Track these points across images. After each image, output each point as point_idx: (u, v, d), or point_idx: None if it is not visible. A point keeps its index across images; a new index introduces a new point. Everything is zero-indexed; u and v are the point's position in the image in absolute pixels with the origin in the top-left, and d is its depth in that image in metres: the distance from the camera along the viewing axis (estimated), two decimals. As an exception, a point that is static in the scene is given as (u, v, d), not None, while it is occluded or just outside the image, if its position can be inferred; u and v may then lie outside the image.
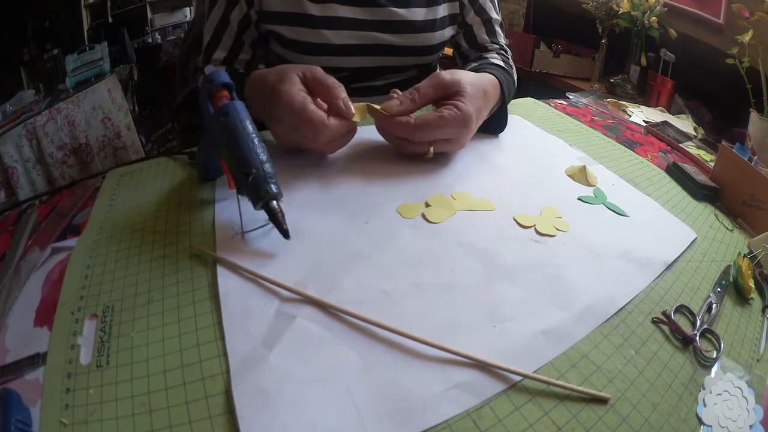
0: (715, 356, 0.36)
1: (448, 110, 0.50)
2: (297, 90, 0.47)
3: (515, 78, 0.72)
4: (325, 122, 0.46)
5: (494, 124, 0.62)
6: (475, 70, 0.61)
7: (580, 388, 0.30)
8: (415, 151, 0.52)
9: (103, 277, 0.37)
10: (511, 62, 0.73)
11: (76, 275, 0.37)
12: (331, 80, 0.49)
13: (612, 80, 1.25)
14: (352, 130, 0.50)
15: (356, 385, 0.29)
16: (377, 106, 0.50)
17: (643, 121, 0.88)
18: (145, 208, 0.45)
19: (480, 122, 0.54)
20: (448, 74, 0.52)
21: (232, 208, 0.43)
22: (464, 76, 0.53)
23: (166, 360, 0.30)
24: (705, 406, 0.32)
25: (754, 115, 0.80)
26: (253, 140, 0.38)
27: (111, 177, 0.51)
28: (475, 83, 0.53)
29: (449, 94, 0.51)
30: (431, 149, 0.51)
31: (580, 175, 0.55)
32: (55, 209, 0.46)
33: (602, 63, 1.35)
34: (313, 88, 0.49)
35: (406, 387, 0.29)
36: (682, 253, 0.45)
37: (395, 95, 0.51)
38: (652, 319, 0.37)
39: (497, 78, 0.59)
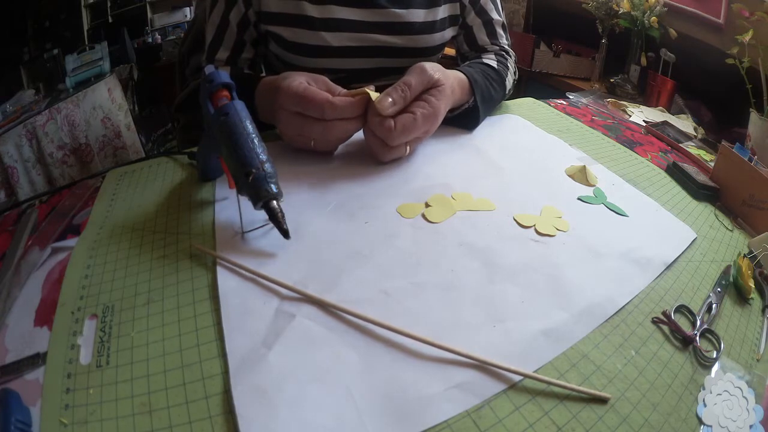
0: (715, 356, 0.36)
1: (421, 109, 0.50)
2: (299, 80, 0.49)
3: (510, 79, 0.72)
4: (329, 98, 0.47)
5: (467, 121, 0.62)
6: (459, 68, 0.62)
7: (580, 388, 0.30)
8: (395, 155, 0.52)
9: (103, 277, 0.37)
10: (510, 63, 0.72)
11: (76, 275, 0.37)
12: (337, 87, 0.51)
13: (612, 80, 1.25)
14: (356, 118, 0.50)
15: (356, 385, 0.29)
16: (373, 93, 0.49)
17: (643, 121, 0.88)
18: (145, 208, 0.45)
19: (444, 115, 0.55)
20: (431, 70, 0.52)
21: (232, 208, 0.43)
22: (443, 75, 0.53)
23: (166, 360, 0.30)
24: (705, 406, 0.32)
25: (754, 115, 0.80)
26: (253, 140, 0.38)
27: (111, 177, 0.51)
28: (449, 82, 0.54)
29: (429, 90, 0.52)
30: (408, 148, 0.52)
31: (580, 175, 0.55)
32: (55, 209, 0.46)
33: (602, 63, 1.35)
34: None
35: (406, 387, 0.29)
36: (682, 253, 0.45)
37: (390, 97, 0.50)
38: (652, 319, 0.37)
39: (467, 76, 0.60)
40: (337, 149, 0.54)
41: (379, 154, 0.52)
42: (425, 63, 0.53)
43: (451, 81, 0.55)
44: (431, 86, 0.52)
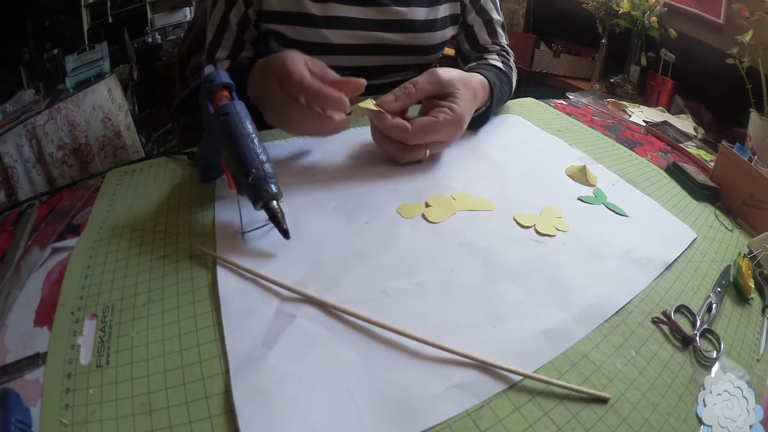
0: (715, 356, 0.36)
1: (443, 114, 0.50)
2: (296, 54, 0.47)
3: (514, 80, 0.72)
4: (306, 78, 0.45)
5: (477, 123, 0.62)
6: (471, 69, 0.61)
7: (580, 388, 0.30)
8: (413, 158, 0.52)
9: (103, 277, 0.37)
10: (512, 63, 0.73)
11: (76, 275, 0.37)
12: (332, 74, 0.48)
13: (612, 80, 1.25)
14: (329, 117, 0.47)
15: (356, 385, 0.29)
16: (374, 107, 0.49)
17: (643, 121, 0.88)
18: (145, 208, 0.45)
19: (469, 120, 0.55)
20: (444, 73, 0.52)
21: (232, 208, 0.43)
22: (458, 77, 0.53)
23: (166, 360, 0.30)
24: (705, 406, 0.32)
25: (754, 115, 0.80)
26: (253, 140, 0.38)
27: (111, 177, 0.51)
28: (467, 84, 0.53)
29: (443, 94, 0.52)
30: (427, 152, 0.52)
31: (580, 175, 0.55)
32: (55, 209, 0.46)
33: (602, 63, 1.35)
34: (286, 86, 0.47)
35: (406, 387, 0.29)
36: (682, 253, 0.45)
37: (393, 94, 0.50)
38: (652, 319, 0.37)
39: (488, 79, 0.59)
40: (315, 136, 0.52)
41: (396, 155, 0.52)
42: (438, 68, 0.52)
43: (474, 85, 0.55)
44: (444, 90, 0.51)
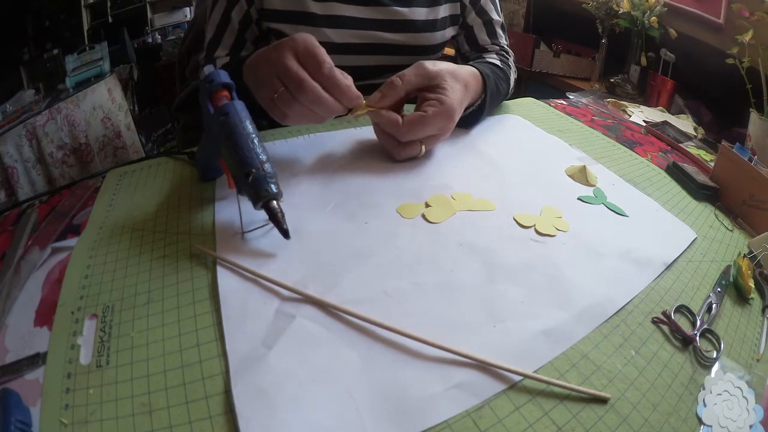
0: (715, 356, 0.36)
1: (432, 107, 0.50)
2: (306, 35, 0.46)
3: (512, 78, 0.72)
4: (304, 78, 0.44)
5: (474, 117, 0.61)
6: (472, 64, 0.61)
7: (580, 388, 0.30)
8: (408, 154, 0.52)
9: (103, 277, 0.37)
10: (511, 63, 0.73)
11: (76, 275, 0.37)
12: (322, 53, 0.46)
13: (612, 80, 1.25)
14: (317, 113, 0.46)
15: (356, 385, 0.29)
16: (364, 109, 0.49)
17: (643, 121, 0.88)
18: (145, 208, 0.45)
19: (461, 112, 0.54)
20: (431, 65, 0.52)
21: (232, 208, 0.43)
22: (446, 68, 0.52)
23: (166, 360, 0.30)
24: (705, 406, 0.32)
25: (754, 115, 0.80)
26: (253, 140, 0.38)
27: (111, 177, 0.51)
28: (456, 76, 0.53)
29: (431, 85, 0.51)
30: (423, 147, 0.52)
31: (580, 175, 0.55)
32: (55, 209, 0.46)
33: (602, 63, 1.35)
34: (305, 62, 0.45)
35: (406, 387, 0.29)
36: (682, 253, 0.45)
37: (379, 92, 0.50)
38: (652, 319, 0.37)
39: (480, 71, 0.59)
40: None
41: (392, 152, 0.52)
42: (425, 61, 0.52)
43: (465, 76, 0.54)
44: (432, 82, 0.51)
